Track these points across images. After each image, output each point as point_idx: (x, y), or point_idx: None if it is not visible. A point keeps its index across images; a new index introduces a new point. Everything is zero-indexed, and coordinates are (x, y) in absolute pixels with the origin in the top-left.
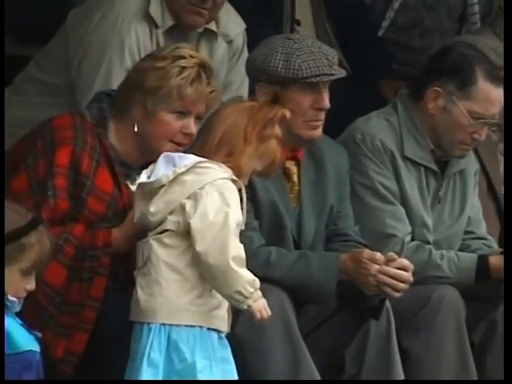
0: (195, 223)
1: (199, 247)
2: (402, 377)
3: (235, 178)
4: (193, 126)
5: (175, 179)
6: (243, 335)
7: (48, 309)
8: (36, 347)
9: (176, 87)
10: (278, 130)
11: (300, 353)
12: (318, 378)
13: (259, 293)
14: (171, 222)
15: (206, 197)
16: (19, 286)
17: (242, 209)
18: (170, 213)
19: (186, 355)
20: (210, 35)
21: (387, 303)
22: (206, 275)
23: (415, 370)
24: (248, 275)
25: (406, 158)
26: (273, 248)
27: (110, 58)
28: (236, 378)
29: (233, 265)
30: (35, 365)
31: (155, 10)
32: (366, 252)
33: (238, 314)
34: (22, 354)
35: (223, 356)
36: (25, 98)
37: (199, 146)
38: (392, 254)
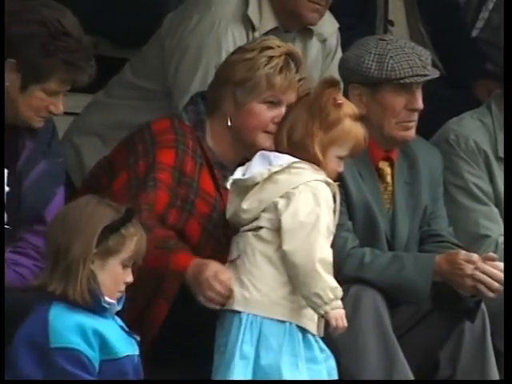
0: (286, 222)
1: (287, 246)
2: (496, 377)
3: (329, 180)
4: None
5: (270, 178)
6: (337, 336)
7: None
8: (134, 351)
9: (265, 77)
10: (348, 108)
11: (394, 353)
12: (412, 378)
13: (339, 302)
14: (265, 220)
15: (298, 196)
16: (120, 279)
17: (334, 212)
18: (263, 210)
19: (274, 350)
20: (305, 35)
21: (482, 305)
22: (290, 273)
23: None
24: (331, 281)
25: (499, 159)
26: (367, 249)
27: (207, 61)
28: (324, 378)
29: (318, 267)
30: (133, 369)
31: (253, 12)
32: (463, 253)
33: None
34: (119, 360)
35: (311, 356)
36: (119, 101)
37: (277, 143)
38: (492, 254)
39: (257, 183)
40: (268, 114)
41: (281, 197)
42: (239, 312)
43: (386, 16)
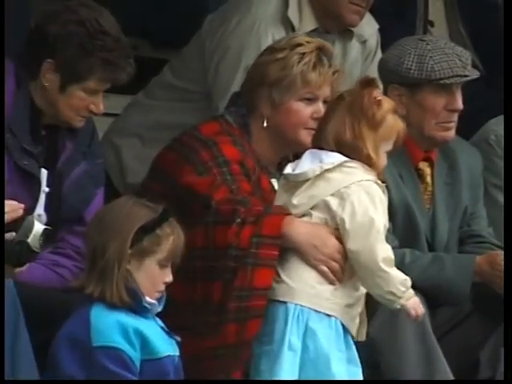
0: (345, 223)
1: (351, 246)
2: None
3: (379, 181)
4: (322, 111)
5: (321, 175)
6: (378, 337)
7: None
8: (175, 351)
9: (299, 74)
10: (386, 104)
11: (434, 354)
12: (452, 378)
13: (411, 291)
14: (317, 218)
15: (353, 196)
16: (158, 279)
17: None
18: (313, 208)
19: (322, 344)
20: (345, 36)
21: None
22: (358, 274)
23: None
24: (399, 275)
25: None
26: (407, 250)
27: (247, 62)
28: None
29: (383, 266)
30: (173, 370)
31: (293, 13)
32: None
33: (371, 316)
34: (159, 360)
35: (349, 356)
36: (159, 102)
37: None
38: None
39: (308, 180)
40: (306, 111)
41: (332, 195)
42: (285, 302)
43: (426, 16)
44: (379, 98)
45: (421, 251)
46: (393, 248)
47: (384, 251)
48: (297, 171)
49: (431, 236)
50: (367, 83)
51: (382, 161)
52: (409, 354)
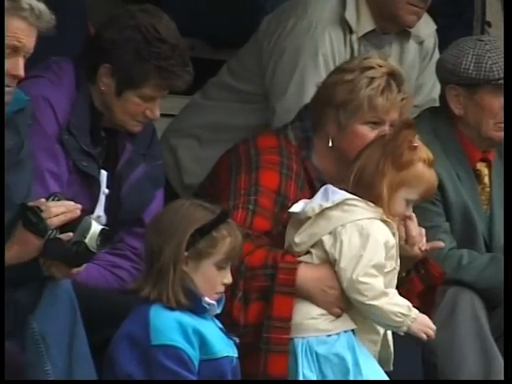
0: (337, 262)
1: (342, 284)
2: None
3: (386, 218)
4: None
5: (322, 213)
6: (435, 337)
7: None
8: (233, 352)
9: (367, 99)
10: (422, 153)
11: (492, 354)
12: None
13: (413, 315)
14: (317, 257)
15: (344, 236)
16: (216, 280)
17: (391, 248)
18: (313, 246)
19: (338, 366)
20: (403, 37)
21: None
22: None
23: None
24: (392, 307)
25: None
26: (464, 251)
27: (304, 64)
28: None
29: (375, 302)
30: (231, 370)
31: (351, 15)
32: None
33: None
34: (217, 360)
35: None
36: (216, 103)
37: (345, 180)
38: None
39: (309, 218)
40: (371, 135)
41: (329, 233)
42: (292, 338)
43: (484, 17)
44: (415, 144)
45: (478, 252)
46: (451, 249)
47: (373, 290)
48: (305, 208)
49: (489, 237)
50: (407, 125)
51: (398, 206)
52: (466, 355)
